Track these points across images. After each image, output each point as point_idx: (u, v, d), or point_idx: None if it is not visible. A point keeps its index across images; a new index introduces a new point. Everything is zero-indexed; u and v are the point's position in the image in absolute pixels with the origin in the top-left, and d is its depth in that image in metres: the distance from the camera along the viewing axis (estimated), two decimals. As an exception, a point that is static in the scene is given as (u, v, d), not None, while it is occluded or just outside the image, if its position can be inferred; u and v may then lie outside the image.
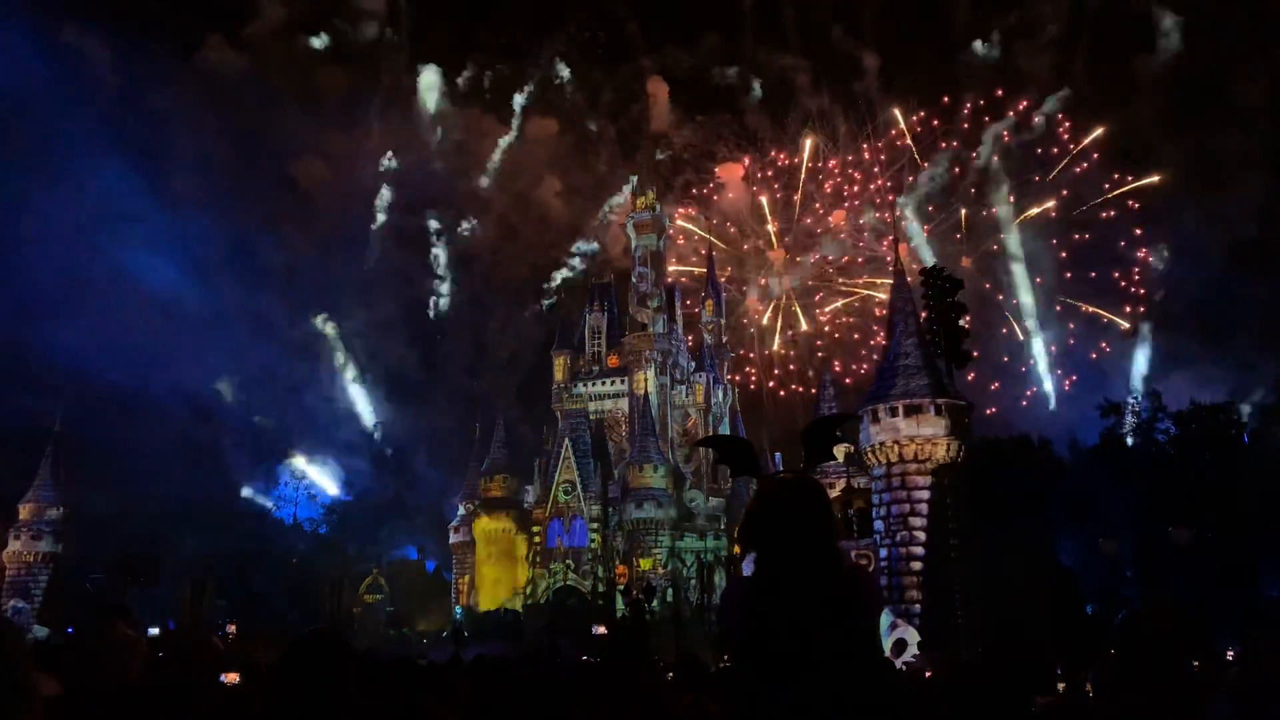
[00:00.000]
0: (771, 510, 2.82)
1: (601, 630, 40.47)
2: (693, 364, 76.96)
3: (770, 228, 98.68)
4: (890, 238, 63.44)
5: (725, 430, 76.11)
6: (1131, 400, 50.32)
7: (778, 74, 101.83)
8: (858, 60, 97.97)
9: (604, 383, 74.44)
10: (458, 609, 66.57)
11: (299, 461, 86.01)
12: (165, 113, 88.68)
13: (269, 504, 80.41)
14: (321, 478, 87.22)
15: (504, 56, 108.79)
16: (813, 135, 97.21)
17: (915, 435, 33.92)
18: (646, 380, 69.72)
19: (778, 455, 73.16)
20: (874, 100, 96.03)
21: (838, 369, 62.09)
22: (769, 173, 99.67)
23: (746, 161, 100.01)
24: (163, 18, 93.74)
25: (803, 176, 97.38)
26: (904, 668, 14.66)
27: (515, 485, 69.70)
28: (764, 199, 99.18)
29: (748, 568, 2.90)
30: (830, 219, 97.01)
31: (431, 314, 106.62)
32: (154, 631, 31.84)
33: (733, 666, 2.76)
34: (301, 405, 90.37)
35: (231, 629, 45.29)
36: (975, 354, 41.22)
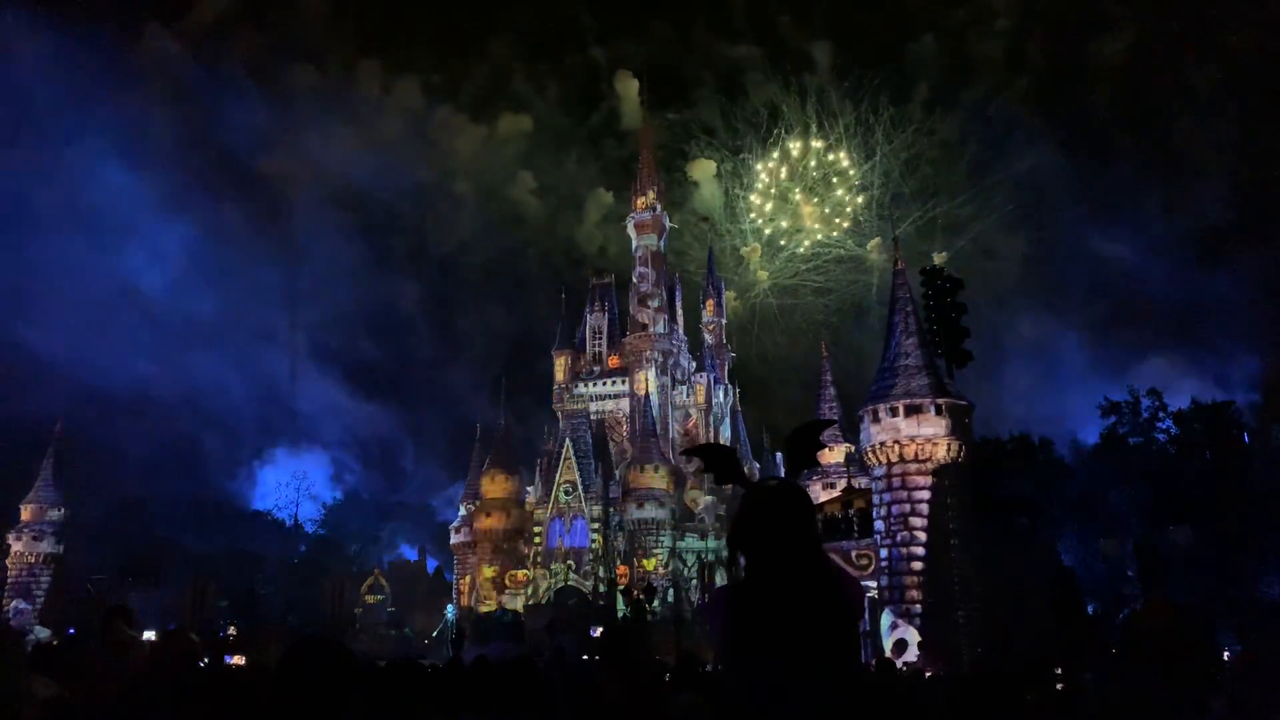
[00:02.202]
0: (756, 517, 2.87)
1: (601, 631, 40.52)
2: (693, 364, 76.98)
3: (744, 226, 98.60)
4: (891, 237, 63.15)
5: (726, 431, 76.15)
6: (1129, 399, 50.28)
7: (731, 66, 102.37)
8: (808, 51, 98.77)
9: (605, 383, 74.44)
10: (449, 608, 66.50)
11: (294, 461, 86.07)
12: (116, 104, 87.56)
13: (267, 504, 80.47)
14: (317, 477, 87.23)
15: (455, 50, 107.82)
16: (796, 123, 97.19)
17: (916, 435, 33.91)
18: (647, 380, 69.74)
19: (778, 455, 73.18)
20: (828, 92, 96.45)
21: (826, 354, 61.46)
22: (748, 155, 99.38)
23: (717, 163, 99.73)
24: (101, 6, 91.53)
25: (775, 167, 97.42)
26: (904, 668, 14.67)
27: (516, 485, 69.66)
28: (738, 193, 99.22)
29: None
30: (804, 210, 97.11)
31: (437, 313, 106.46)
32: (149, 635, 31.81)
33: (720, 670, 2.82)
34: (295, 403, 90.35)
35: (232, 630, 45.33)
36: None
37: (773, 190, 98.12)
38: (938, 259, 38.09)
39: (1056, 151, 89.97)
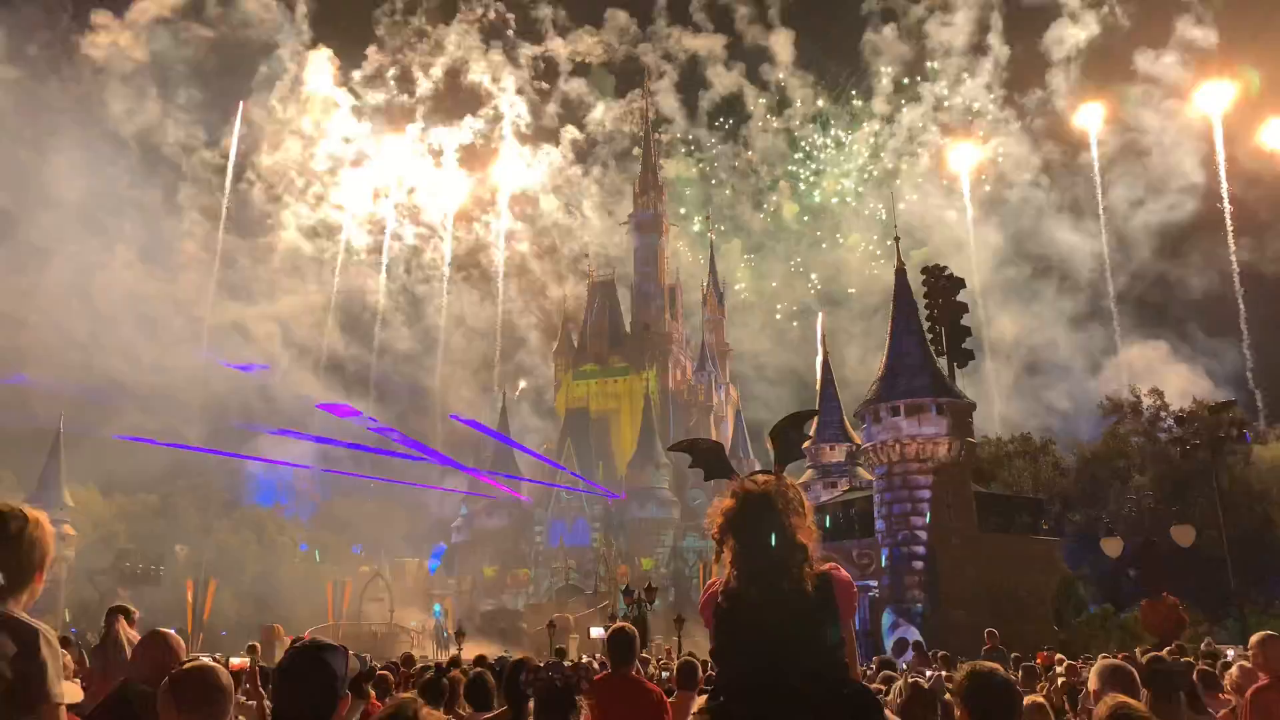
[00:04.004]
0: (742, 513, 2.80)
1: (600, 631, 40.51)
2: (694, 362, 77.06)
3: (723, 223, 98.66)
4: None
5: (727, 429, 76.17)
6: (1133, 399, 50.26)
7: (693, 58, 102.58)
8: (767, 45, 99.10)
9: (605, 382, 74.56)
10: (436, 606, 66.33)
11: (289, 459, 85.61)
12: (58, 95, 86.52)
13: (265, 502, 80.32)
14: (313, 475, 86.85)
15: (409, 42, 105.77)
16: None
17: (917, 434, 33.92)
18: (648, 379, 69.84)
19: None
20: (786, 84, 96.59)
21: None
22: (723, 149, 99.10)
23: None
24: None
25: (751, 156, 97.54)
26: (905, 667, 14.66)
27: (516, 484, 69.73)
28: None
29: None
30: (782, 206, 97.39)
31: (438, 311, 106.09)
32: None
33: (712, 669, 2.79)
34: (283, 400, 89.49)
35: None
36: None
37: (751, 188, 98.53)
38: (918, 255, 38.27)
39: (1023, 141, 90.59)
